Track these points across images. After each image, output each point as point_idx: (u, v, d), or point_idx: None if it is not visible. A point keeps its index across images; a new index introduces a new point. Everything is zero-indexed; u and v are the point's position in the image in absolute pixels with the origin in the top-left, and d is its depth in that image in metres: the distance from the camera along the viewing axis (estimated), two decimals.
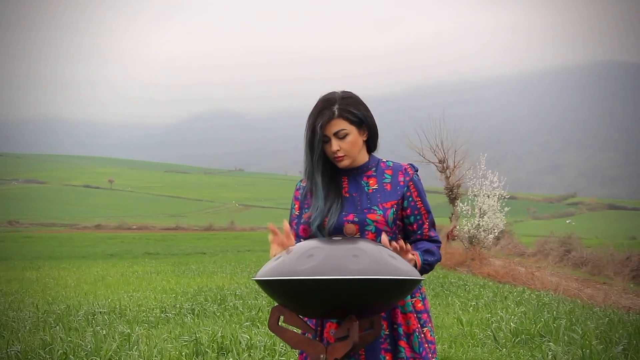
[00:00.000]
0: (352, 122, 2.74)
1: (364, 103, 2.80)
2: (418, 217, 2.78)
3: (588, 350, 5.86)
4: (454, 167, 28.67)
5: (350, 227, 2.67)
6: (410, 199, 2.80)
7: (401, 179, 2.82)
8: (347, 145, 2.73)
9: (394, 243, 2.50)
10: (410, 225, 2.79)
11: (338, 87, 2.86)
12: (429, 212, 2.81)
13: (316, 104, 2.76)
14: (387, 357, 2.74)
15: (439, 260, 2.76)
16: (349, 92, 2.81)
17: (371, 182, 2.82)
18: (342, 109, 2.73)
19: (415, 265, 2.58)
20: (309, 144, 2.73)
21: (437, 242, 2.79)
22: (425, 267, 2.68)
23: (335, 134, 2.72)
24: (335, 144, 2.72)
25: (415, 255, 2.61)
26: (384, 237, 2.51)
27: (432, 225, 2.82)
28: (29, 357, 6.09)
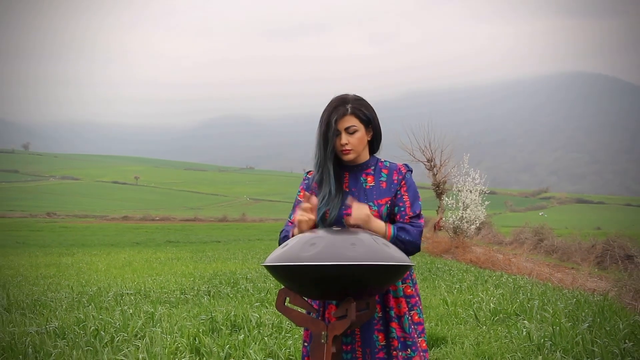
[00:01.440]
0: (361, 121, 2.79)
1: (372, 107, 2.85)
2: (402, 209, 2.79)
3: (558, 327, 5.86)
4: (441, 165, 28.74)
5: (349, 220, 2.68)
6: (399, 193, 2.82)
7: (395, 177, 2.85)
8: (355, 140, 2.77)
9: (363, 209, 2.61)
10: (394, 215, 2.80)
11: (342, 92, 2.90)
12: (412, 204, 2.80)
13: (331, 102, 2.80)
14: (380, 337, 2.76)
15: (414, 240, 2.72)
16: (360, 96, 2.85)
17: (369, 179, 2.85)
18: (355, 108, 2.78)
19: (384, 234, 2.64)
20: (323, 136, 2.76)
21: (416, 226, 2.76)
22: (397, 243, 2.66)
23: (347, 129, 2.76)
24: (345, 138, 2.76)
25: (387, 227, 2.68)
26: (359, 208, 2.61)
27: (416, 215, 2.79)
28: (65, 332, 6.10)
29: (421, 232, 2.78)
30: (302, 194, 2.88)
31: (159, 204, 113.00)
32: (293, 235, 2.67)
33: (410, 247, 2.70)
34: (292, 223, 2.81)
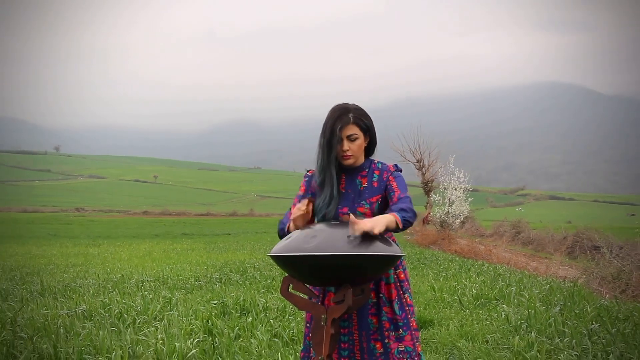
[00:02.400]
0: (361, 129, 2.79)
1: (370, 116, 2.85)
2: (392, 194, 2.79)
3: (533, 311, 5.86)
4: (429, 165, 28.78)
5: (345, 217, 2.70)
6: (388, 184, 2.82)
7: (385, 176, 2.86)
8: (355, 147, 2.78)
9: (352, 217, 2.48)
10: (388, 202, 2.80)
11: (336, 102, 2.88)
12: (400, 190, 2.78)
13: (333, 111, 2.78)
14: (374, 320, 2.77)
15: (414, 214, 2.68)
16: (359, 105, 2.85)
17: (363, 181, 2.85)
18: (356, 117, 2.77)
19: (397, 225, 2.57)
20: (327, 143, 2.75)
21: (404, 200, 2.72)
22: (405, 224, 2.62)
23: (348, 137, 2.76)
24: (346, 145, 2.76)
25: (396, 217, 2.59)
26: (352, 217, 2.50)
27: (405, 191, 2.78)
28: (92, 315, 6.10)
29: (410, 201, 2.76)
30: (302, 189, 2.89)
31: (176, 200, 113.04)
32: (289, 229, 2.68)
33: (414, 218, 2.68)
34: (290, 215, 2.82)
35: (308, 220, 2.66)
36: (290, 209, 2.84)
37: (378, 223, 2.48)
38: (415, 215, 2.71)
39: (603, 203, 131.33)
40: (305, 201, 2.61)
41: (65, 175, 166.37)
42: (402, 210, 2.65)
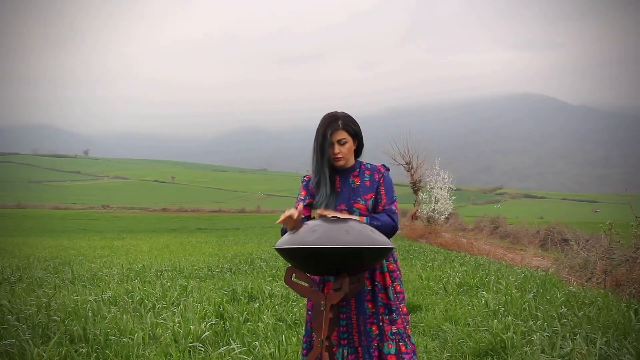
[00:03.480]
0: (350, 134, 2.79)
1: (357, 122, 2.85)
2: (379, 200, 2.80)
3: (509, 297, 5.87)
4: (417, 167, 28.72)
5: (318, 214, 2.70)
6: (379, 190, 2.83)
7: (376, 177, 2.85)
8: (345, 150, 2.79)
9: (322, 210, 2.63)
10: (376, 206, 2.80)
11: (333, 110, 2.88)
12: (388, 196, 2.81)
13: (324, 118, 2.79)
14: (370, 305, 2.77)
15: (387, 223, 2.71)
16: (347, 112, 2.85)
17: (356, 180, 2.85)
18: (345, 124, 2.78)
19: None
20: (320, 147, 2.76)
21: (388, 212, 2.77)
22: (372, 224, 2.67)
23: (339, 141, 2.77)
24: (337, 148, 2.77)
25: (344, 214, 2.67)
26: (322, 210, 2.64)
27: (390, 203, 2.80)
28: (117, 300, 6.10)
29: (392, 213, 2.77)
30: (302, 193, 2.88)
31: (191, 198, 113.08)
32: (286, 229, 2.64)
33: (384, 228, 2.68)
34: None
35: (296, 224, 2.61)
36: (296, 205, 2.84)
37: (340, 215, 2.62)
38: (390, 225, 2.72)
39: (571, 201, 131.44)
40: (294, 211, 2.58)
41: (93, 176, 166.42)
42: (374, 219, 2.71)
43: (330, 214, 2.61)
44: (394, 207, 2.80)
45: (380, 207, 2.79)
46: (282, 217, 2.52)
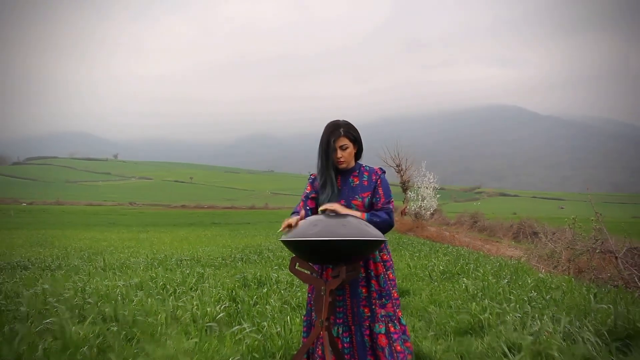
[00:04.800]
0: (351, 140, 2.78)
1: (357, 129, 2.84)
2: (377, 199, 2.79)
3: (486, 282, 5.86)
4: (405, 169, 28.74)
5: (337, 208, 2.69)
6: (376, 189, 2.81)
7: (374, 178, 2.84)
8: (347, 154, 2.78)
9: (327, 205, 2.62)
10: (373, 204, 2.79)
11: (333, 118, 2.87)
12: (386, 196, 2.80)
13: (328, 126, 2.78)
14: (364, 290, 2.77)
15: (385, 220, 2.70)
16: (348, 121, 2.84)
17: (355, 180, 2.84)
18: (346, 131, 2.77)
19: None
20: (324, 152, 2.74)
21: (387, 210, 2.75)
22: (370, 222, 2.64)
23: (341, 147, 2.76)
24: (339, 153, 2.76)
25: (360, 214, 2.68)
26: (326, 205, 2.62)
27: (388, 202, 2.79)
28: (143, 286, 6.09)
29: (390, 211, 2.76)
30: (308, 188, 2.87)
31: (207, 196, 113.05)
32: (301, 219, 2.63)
33: (382, 224, 2.68)
34: (300, 207, 2.80)
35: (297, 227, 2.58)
36: (298, 204, 2.84)
37: (344, 211, 2.62)
38: (387, 222, 2.71)
39: (540, 199, 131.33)
40: (293, 220, 2.57)
41: (121, 177, 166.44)
42: (374, 215, 2.70)
43: (335, 208, 2.59)
44: (391, 206, 2.79)
45: (379, 205, 2.77)
46: (283, 225, 2.53)
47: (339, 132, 2.75)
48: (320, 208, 2.65)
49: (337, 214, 2.57)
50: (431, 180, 26.67)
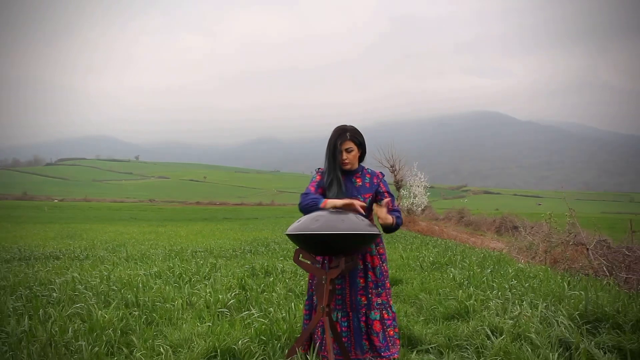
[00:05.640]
0: (356, 144, 2.76)
1: (362, 134, 2.83)
2: (382, 197, 2.77)
3: (472, 272, 5.86)
4: (399, 169, 28.71)
5: (383, 203, 2.72)
6: (380, 189, 2.81)
7: (375, 181, 2.84)
8: (352, 156, 2.76)
9: (385, 202, 2.64)
10: (376, 202, 2.78)
11: (337, 123, 2.88)
12: (392, 198, 2.79)
13: (335, 130, 2.77)
14: (361, 280, 2.76)
15: (402, 221, 2.77)
16: (354, 126, 2.82)
17: (358, 180, 2.83)
18: (352, 135, 2.75)
19: (392, 222, 2.66)
20: (332, 154, 2.72)
21: (399, 210, 2.79)
22: (398, 223, 2.70)
23: (346, 149, 2.74)
24: (345, 155, 2.74)
25: (393, 217, 2.67)
26: (384, 202, 2.65)
27: (395, 204, 2.79)
28: (161, 274, 6.10)
29: (400, 212, 2.79)
30: (317, 177, 2.81)
31: (219, 193, 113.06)
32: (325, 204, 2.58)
33: (399, 221, 2.72)
34: (312, 190, 2.73)
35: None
36: (308, 188, 2.75)
37: (389, 217, 2.63)
38: (401, 219, 2.78)
39: (520, 196, 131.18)
40: (357, 202, 2.58)
41: (142, 176, 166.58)
42: (398, 216, 2.73)
43: (384, 215, 2.63)
44: (398, 207, 2.81)
45: (390, 207, 2.74)
46: (346, 201, 2.54)
47: (346, 136, 2.73)
48: (380, 220, 2.66)
49: (337, 210, 2.57)
50: (422, 180, 26.70)
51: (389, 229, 2.68)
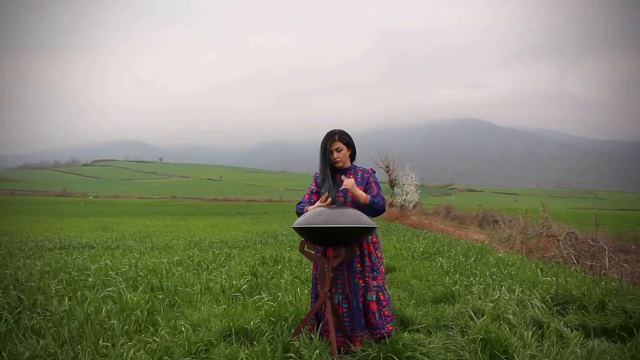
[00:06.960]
0: (344, 143, 2.77)
1: (350, 135, 2.83)
2: (371, 190, 2.78)
3: (457, 260, 5.85)
4: (393, 169, 28.69)
5: (341, 200, 2.70)
6: (369, 184, 2.81)
7: (366, 176, 2.84)
8: (342, 155, 2.77)
9: (351, 180, 2.63)
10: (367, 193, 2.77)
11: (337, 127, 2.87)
12: (377, 188, 2.80)
13: (326, 134, 2.79)
14: (358, 266, 2.77)
15: (381, 204, 2.70)
16: (342, 129, 2.83)
17: (351, 177, 2.83)
18: (340, 136, 2.76)
19: (364, 201, 2.65)
20: (323, 154, 2.75)
21: (381, 197, 2.75)
22: (372, 204, 2.66)
23: (336, 149, 2.75)
24: (335, 154, 2.76)
25: (366, 196, 2.68)
26: (349, 180, 2.64)
27: (379, 191, 2.79)
28: (182, 262, 6.12)
29: (383, 198, 2.76)
30: (313, 184, 2.87)
31: (234, 191, 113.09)
32: (307, 210, 2.65)
33: (380, 208, 2.69)
34: (306, 199, 2.80)
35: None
36: (304, 196, 2.84)
37: (356, 188, 2.64)
38: (383, 206, 2.72)
39: (500, 193, 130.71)
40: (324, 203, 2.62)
41: (165, 175, 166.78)
42: (374, 197, 2.71)
43: (352, 183, 2.62)
44: (382, 194, 2.79)
45: (374, 193, 2.77)
46: (319, 203, 2.59)
47: (334, 137, 2.75)
48: (342, 187, 2.66)
49: (337, 205, 2.57)
50: (413, 179, 26.67)
51: (370, 210, 2.66)
